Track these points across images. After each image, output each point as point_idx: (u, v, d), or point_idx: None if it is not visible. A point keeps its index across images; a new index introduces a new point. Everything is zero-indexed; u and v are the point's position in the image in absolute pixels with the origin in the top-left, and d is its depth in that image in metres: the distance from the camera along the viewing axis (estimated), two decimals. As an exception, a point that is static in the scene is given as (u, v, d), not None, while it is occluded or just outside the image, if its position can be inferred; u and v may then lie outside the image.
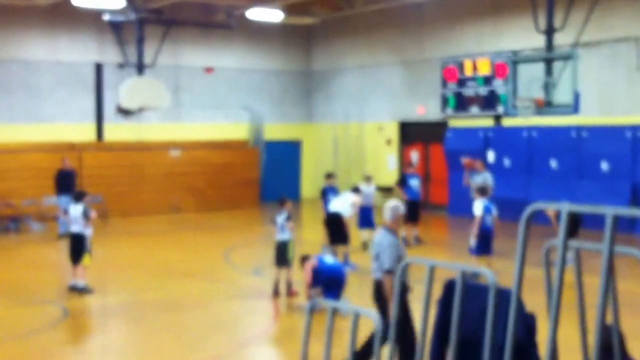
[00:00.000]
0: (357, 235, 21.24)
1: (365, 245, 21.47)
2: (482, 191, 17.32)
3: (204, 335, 12.96)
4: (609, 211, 4.92)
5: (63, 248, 16.79)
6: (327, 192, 20.58)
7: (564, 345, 7.49)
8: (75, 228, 16.20)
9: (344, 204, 19.17)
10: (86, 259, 16.05)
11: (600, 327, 4.97)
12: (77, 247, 16.13)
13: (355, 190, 20.27)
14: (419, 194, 22.65)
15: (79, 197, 16.66)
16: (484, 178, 21.59)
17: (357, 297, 15.00)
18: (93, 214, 16.32)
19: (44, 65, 29.54)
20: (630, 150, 23.59)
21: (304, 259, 14.40)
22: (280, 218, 15.81)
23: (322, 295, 13.65)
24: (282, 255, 15.62)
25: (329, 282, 13.86)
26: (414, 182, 22.46)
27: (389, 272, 9.71)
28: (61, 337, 13.39)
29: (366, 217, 21.26)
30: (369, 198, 21.50)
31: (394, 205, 10.31)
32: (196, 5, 31.17)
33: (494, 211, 16.96)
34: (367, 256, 20.61)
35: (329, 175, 21.54)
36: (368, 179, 22.23)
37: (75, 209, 16.26)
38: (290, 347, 12.24)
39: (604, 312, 4.97)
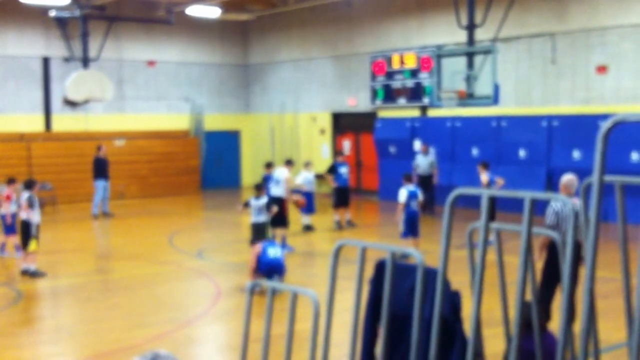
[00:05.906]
0: (297, 219, 21.30)
1: (307, 229, 21.54)
2: (408, 178, 17.48)
3: (151, 314, 12.92)
4: (526, 195, 5.02)
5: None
6: (267, 180, 20.70)
7: (487, 320, 7.63)
8: (24, 215, 16.01)
9: (281, 187, 19.39)
10: (32, 245, 15.80)
11: (520, 303, 5.07)
12: (25, 233, 15.97)
13: (288, 162, 20.59)
14: (347, 181, 22.77)
15: (27, 185, 16.40)
16: (429, 160, 24.38)
17: (295, 278, 15.10)
18: (19, 206, 16.07)
19: (-7, 59, 29.08)
20: (546, 138, 23.92)
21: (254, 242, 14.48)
22: (259, 202, 16.51)
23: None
24: (262, 235, 15.77)
25: (268, 271, 13.84)
26: (344, 170, 22.56)
27: None
28: (16, 318, 13.23)
29: (308, 202, 21.31)
30: (311, 184, 21.61)
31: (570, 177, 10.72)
32: (138, 1, 30.87)
33: (420, 196, 17.15)
34: (305, 239, 20.70)
35: (269, 165, 22.16)
36: (308, 165, 22.33)
37: (23, 197, 16.05)
38: (232, 325, 12.25)
39: (523, 288, 5.09)
